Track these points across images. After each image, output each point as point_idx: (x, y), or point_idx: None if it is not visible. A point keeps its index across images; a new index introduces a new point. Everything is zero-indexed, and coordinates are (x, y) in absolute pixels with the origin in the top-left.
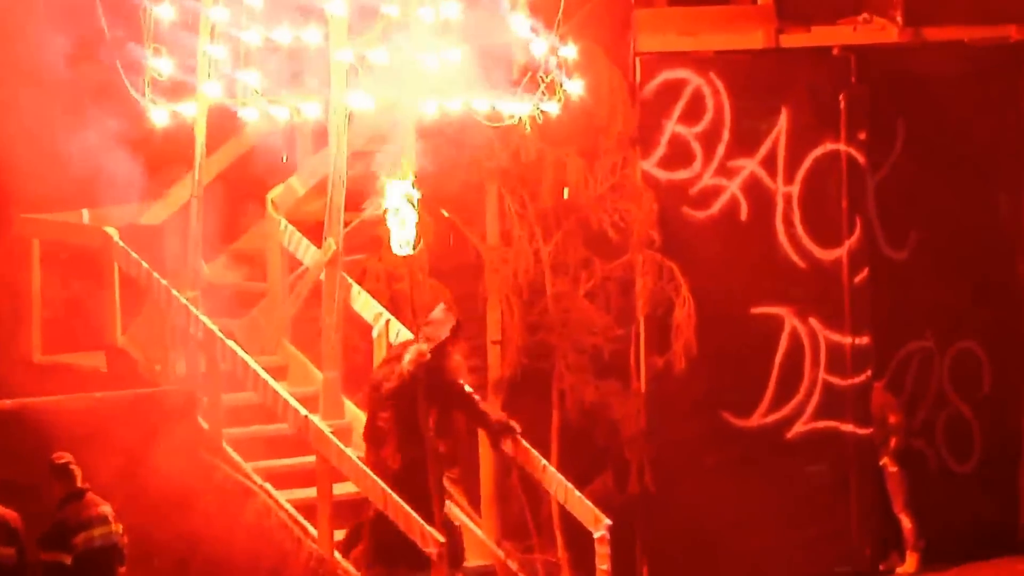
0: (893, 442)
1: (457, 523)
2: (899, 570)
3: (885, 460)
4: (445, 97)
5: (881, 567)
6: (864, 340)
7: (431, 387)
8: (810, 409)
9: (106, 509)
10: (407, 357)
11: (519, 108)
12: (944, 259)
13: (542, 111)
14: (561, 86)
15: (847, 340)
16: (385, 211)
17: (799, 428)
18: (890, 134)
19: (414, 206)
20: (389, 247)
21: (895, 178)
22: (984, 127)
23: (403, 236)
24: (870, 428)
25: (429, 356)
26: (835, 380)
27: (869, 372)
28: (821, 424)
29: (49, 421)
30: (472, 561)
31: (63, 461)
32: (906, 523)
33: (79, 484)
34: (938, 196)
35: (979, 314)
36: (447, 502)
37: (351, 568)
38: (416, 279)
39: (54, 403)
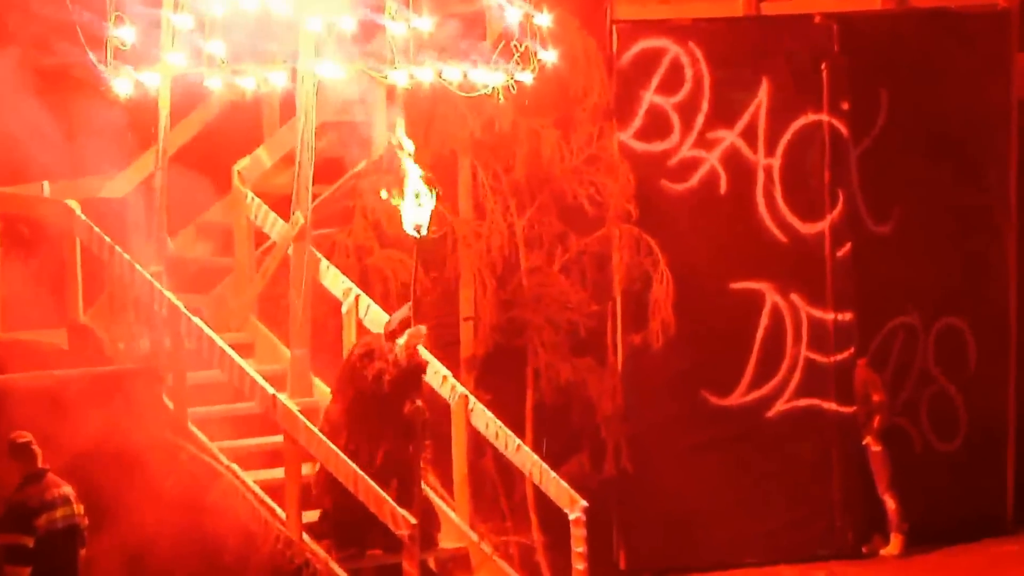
0: (876, 421)
1: (432, 505)
2: (883, 552)
3: (868, 439)
4: (416, 66)
5: (864, 549)
6: (847, 316)
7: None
8: (791, 387)
9: (67, 490)
10: (401, 342)
11: (492, 78)
12: (929, 233)
13: (516, 81)
14: (535, 55)
15: (829, 316)
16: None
17: (780, 407)
18: (873, 105)
19: (432, 188)
20: (358, 221)
21: (878, 150)
22: (971, 97)
23: (417, 219)
24: (853, 407)
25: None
26: (817, 357)
27: (852, 349)
28: (803, 402)
29: (8, 399)
30: (444, 543)
31: (24, 440)
32: (890, 504)
33: (39, 464)
34: (923, 168)
35: (964, 290)
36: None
37: (319, 550)
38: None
39: (13, 381)
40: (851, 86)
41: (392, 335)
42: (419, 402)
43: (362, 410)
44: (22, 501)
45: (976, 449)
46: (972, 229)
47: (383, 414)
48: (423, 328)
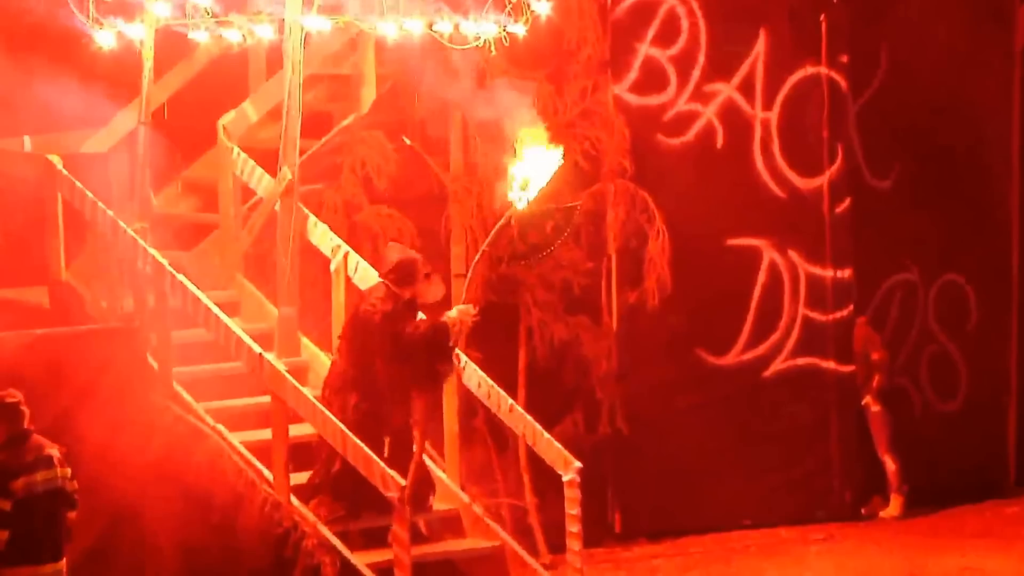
0: (876, 380)
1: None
2: (882, 514)
3: (867, 399)
4: (406, 18)
5: (863, 511)
6: (846, 273)
7: None
8: (789, 346)
9: (52, 452)
10: (453, 314)
11: (484, 30)
12: (929, 188)
13: (508, 33)
14: (528, 6)
15: (828, 273)
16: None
17: (778, 366)
18: (873, 57)
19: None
20: (347, 176)
21: (878, 104)
22: (972, 48)
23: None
24: (852, 366)
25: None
26: (815, 315)
27: (851, 307)
28: (801, 361)
29: None
30: (435, 505)
31: (11, 401)
32: (890, 465)
33: (24, 425)
34: (923, 122)
35: (965, 246)
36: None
37: (308, 513)
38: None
39: None
40: (851, 38)
41: (398, 280)
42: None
43: (390, 368)
44: (1, 463)
45: (977, 409)
46: (973, 183)
47: (408, 373)
48: (472, 308)
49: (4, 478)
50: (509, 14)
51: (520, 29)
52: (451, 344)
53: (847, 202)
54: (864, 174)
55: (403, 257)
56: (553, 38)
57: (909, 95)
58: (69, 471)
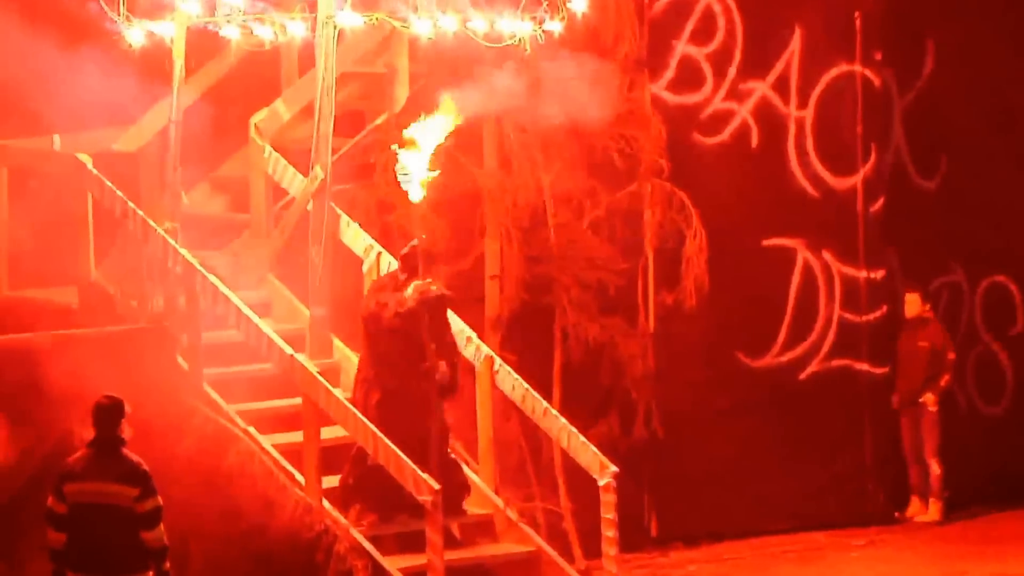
0: (944, 380)
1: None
2: (922, 519)
3: (928, 397)
4: (440, 15)
5: (897, 514)
6: (879, 274)
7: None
8: (825, 348)
9: (126, 468)
10: (408, 292)
11: (520, 28)
12: (977, 187)
13: (544, 31)
14: (565, 4)
15: (862, 274)
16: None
17: (813, 368)
18: (919, 54)
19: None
20: (380, 175)
21: (925, 102)
22: (1020, 45)
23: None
24: (886, 367)
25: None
26: (850, 316)
27: (885, 308)
28: (836, 363)
29: (17, 360)
30: (469, 509)
31: (96, 413)
32: (935, 469)
33: (116, 434)
34: (972, 120)
35: (1012, 246)
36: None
37: (340, 517)
38: None
39: (22, 341)
40: (896, 35)
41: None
42: (443, 365)
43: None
44: (65, 463)
45: (1023, 412)
46: (1021, 183)
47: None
48: (431, 283)
49: (60, 481)
50: (545, 11)
51: (556, 27)
52: (418, 329)
53: (881, 201)
54: (910, 174)
55: (409, 249)
56: (589, 36)
57: (956, 93)
58: (141, 491)
